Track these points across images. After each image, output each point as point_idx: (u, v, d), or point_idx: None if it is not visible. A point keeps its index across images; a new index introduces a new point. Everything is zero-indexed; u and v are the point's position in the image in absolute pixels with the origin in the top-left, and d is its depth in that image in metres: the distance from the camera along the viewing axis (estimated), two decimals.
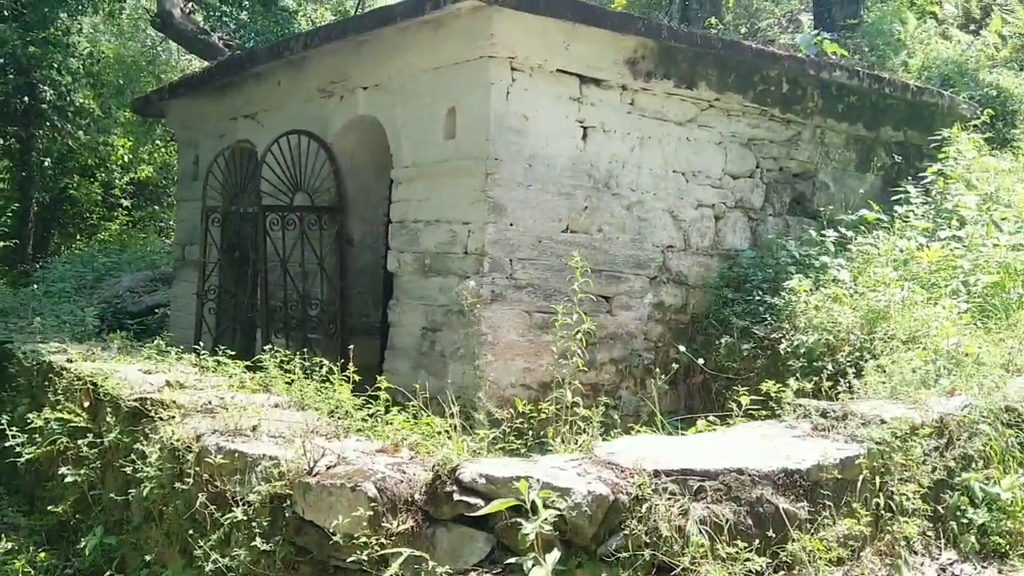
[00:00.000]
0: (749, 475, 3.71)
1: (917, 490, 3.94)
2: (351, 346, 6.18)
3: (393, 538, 3.44)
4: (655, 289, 8.00)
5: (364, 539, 3.42)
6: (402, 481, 3.60)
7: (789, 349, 7.19)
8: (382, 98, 8.05)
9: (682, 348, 7.69)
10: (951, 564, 3.88)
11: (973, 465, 4.25)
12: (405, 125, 7.76)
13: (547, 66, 7.18)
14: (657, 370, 8.09)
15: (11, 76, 20.05)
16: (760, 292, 7.97)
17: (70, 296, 13.13)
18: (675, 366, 7.96)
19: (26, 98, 20.71)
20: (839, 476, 3.86)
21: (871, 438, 4.02)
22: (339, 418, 4.56)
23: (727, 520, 3.55)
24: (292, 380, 5.01)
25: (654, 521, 3.44)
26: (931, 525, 4.03)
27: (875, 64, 12.44)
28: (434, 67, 7.45)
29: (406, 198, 7.75)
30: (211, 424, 4.54)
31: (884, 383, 4.86)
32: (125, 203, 25.15)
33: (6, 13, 18.86)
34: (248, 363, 6.12)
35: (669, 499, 3.52)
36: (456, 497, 3.48)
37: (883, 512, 3.86)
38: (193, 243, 10.48)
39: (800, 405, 4.50)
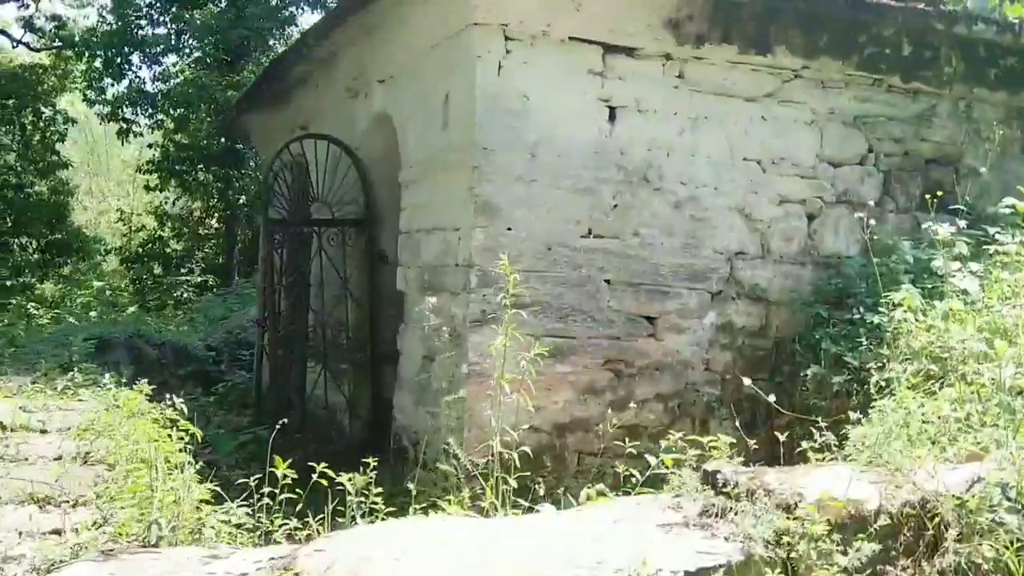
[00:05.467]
0: None
1: None
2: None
3: None
4: (719, 307, 6.36)
5: None
6: None
7: (882, 383, 5.40)
8: (394, 90, 7.00)
9: (747, 381, 6.01)
10: None
11: None
12: (410, 118, 6.66)
13: (554, 32, 5.84)
14: (723, 410, 6.47)
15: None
16: (863, 309, 6.15)
17: (197, 326, 13.04)
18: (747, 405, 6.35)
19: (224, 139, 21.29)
20: None
21: (762, 537, 2.42)
22: None
23: None
24: None
25: None
26: None
27: None
28: (431, 45, 6.31)
29: (411, 204, 6.63)
30: None
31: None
32: None
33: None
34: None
35: None
36: None
37: None
38: None
39: (709, 473, 2.93)
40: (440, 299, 6.04)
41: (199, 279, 21.67)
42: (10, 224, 21.61)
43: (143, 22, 20.87)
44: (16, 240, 22.00)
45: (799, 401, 6.11)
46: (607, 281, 6.05)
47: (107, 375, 5.78)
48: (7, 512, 3.21)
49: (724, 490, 2.88)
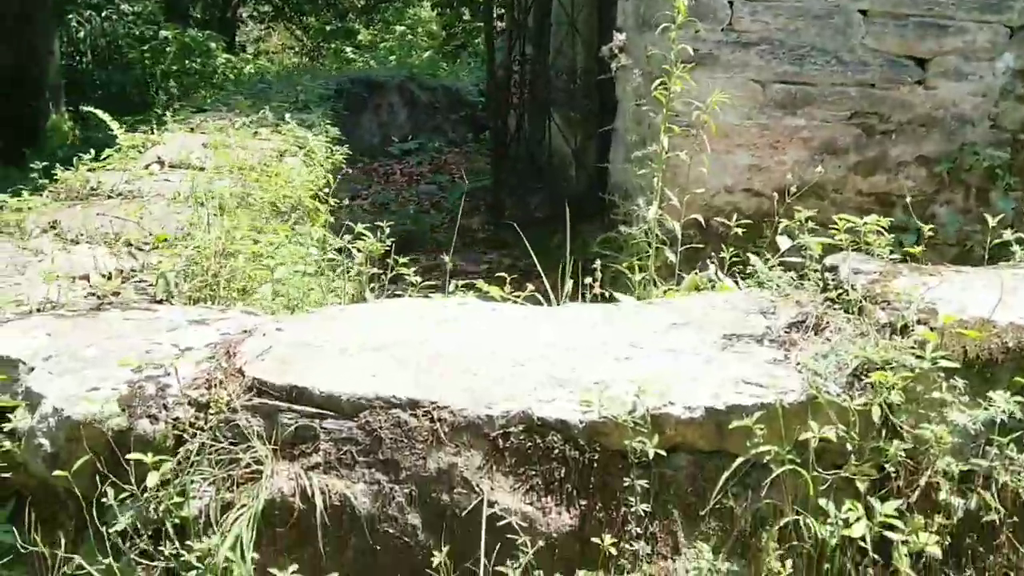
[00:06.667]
0: (437, 415, 1.68)
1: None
2: None
3: None
4: (1020, 47, 4.90)
5: None
6: None
7: None
8: None
9: None
10: None
11: None
12: None
13: None
14: (1012, 179, 5.17)
15: None
16: None
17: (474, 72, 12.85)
18: None
19: None
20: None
21: (833, 373, 1.61)
22: None
23: (357, 506, 1.65)
24: None
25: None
26: None
27: None
28: None
29: None
30: None
31: None
32: None
33: None
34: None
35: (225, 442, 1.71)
36: None
37: None
38: None
39: (826, 268, 2.07)
40: (656, 36, 5.14)
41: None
42: None
43: None
44: None
45: None
46: (862, 12, 4.81)
47: (296, 116, 5.58)
48: (74, 251, 3.06)
49: (831, 295, 2.02)
